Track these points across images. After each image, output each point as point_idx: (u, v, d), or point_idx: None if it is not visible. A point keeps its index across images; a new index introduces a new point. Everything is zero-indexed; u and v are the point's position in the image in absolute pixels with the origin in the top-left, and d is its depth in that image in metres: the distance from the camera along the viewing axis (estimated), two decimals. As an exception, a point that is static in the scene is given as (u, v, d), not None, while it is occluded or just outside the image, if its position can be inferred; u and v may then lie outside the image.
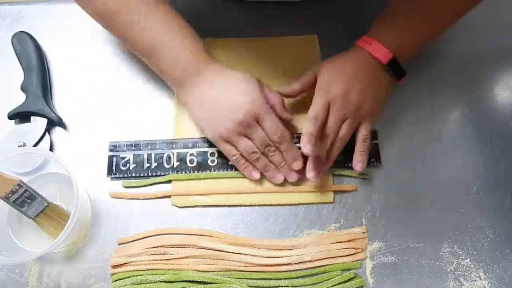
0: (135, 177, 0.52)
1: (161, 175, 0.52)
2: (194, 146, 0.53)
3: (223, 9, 0.60)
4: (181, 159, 0.53)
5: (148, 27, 0.48)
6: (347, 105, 0.49)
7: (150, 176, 0.52)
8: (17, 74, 0.55)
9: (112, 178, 0.52)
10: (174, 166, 0.52)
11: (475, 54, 0.58)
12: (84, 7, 0.50)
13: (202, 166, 0.52)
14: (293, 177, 0.51)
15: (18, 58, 0.56)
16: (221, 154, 0.52)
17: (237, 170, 0.52)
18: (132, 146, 0.53)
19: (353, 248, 0.49)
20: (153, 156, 0.53)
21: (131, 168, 0.52)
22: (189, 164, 0.52)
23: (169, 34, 0.48)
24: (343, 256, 0.49)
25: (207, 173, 0.52)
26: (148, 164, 0.52)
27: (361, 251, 0.49)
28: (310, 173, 0.49)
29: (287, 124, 0.52)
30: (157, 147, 0.53)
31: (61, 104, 0.56)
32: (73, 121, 0.55)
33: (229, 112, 0.48)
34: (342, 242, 0.49)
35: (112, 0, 0.47)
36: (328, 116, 0.49)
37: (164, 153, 0.53)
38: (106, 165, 0.52)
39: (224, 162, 0.52)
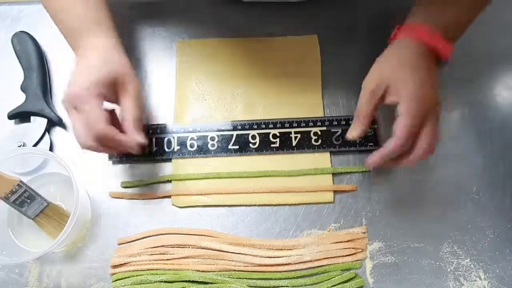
0: (135, 161, 0.53)
1: (162, 159, 0.53)
2: (194, 131, 0.54)
3: (223, 9, 0.60)
4: (182, 143, 0.53)
5: None
6: (434, 116, 0.44)
7: (151, 160, 0.53)
8: (17, 74, 0.55)
9: (114, 162, 0.53)
10: (175, 150, 0.53)
11: (475, 54, 0.58)
12: None
13: (202, 149, 0.53)
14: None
15: (18, 58, 0.56)
16: (221, 139, 0.53)
17: (237, 155, 0.53)
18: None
19: (353, 248, 0.49)
20: (153, 140, 0.53)
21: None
22: (189, 148, 0.53)
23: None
24: (343, 256, 0.49)
25: (208, 160, 0.53)
26: (149, 148, 0.53)
27: (361, 251, 0.49)
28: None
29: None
30: (158, 131, 0.53)
31: (61, 104, 0.55)
32: (73, 121, 0.55)
33: (68, 86, 0.45)
34: (342, 242, 0.49)
35: None
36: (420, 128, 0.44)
37: (164, 137, 0.53)
38: (106, 160, 0.53)
39: (224, 146, 0.53)
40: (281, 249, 0.49)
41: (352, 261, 0.49)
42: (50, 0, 0.49)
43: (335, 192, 0.52)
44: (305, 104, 0.56)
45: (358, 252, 0.49)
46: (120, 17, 0.59)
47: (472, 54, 0.58)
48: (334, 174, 0.53)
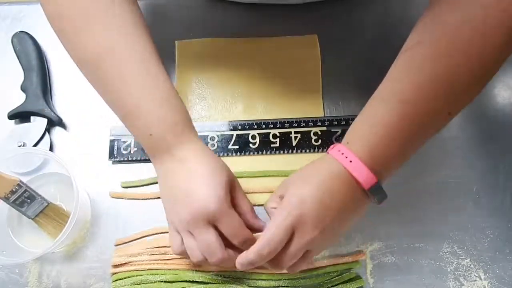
0: (136, 161, 0.53)
1: None
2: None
3: (223, 9, 0.60)
4: None
5: (125, 77, 0.41)
6: (315, 241, 0.39)
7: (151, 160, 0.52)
8: (17, 74, 0.55)
9: (114, 162, 0.53)
10: None
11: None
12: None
13: None
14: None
15: (18, 58, 0.56)
16: (221, 138, 0.53)
17: (237, 155, 0.52)
18: None
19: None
20: None
21: (132, 152, 0.53)
22: None
23: (145, 95, 0.41)
24: (343, 256, 0.49)
25: None
26: None
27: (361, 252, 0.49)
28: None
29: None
30: None
31: (61, 104, 0.56)
32: (73, 121, 0.55)
33: (182, 207, 0.40)
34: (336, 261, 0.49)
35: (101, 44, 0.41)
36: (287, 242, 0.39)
37: None
38: (106, 160, 0.53)
39: (224, 146, 0.53)
40: None
41: (352, 261, 0.49)
42: (120, 101, 0.42)
43: (335, 192, 0.52)
44: (305, 104, 0.56)
45: (358, 253, 0.49)
46: (120, 17, 0.59)
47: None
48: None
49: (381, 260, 0.49)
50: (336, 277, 0.48)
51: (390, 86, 0.41)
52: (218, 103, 0.56)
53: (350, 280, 0.48)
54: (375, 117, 0.40)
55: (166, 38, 0.59)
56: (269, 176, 0.52)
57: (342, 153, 0.39)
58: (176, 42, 0.58)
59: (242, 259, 0.39)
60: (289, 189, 0.40)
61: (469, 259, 0.49)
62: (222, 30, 0.59)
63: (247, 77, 0.57)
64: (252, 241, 0.40)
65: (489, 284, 0.48)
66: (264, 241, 0.38)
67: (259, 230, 0.43)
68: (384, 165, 0.39)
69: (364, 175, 0.38)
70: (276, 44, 0.58)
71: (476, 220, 0.51)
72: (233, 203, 0.42)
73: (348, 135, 0.42)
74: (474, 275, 0.49)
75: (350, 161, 0.38)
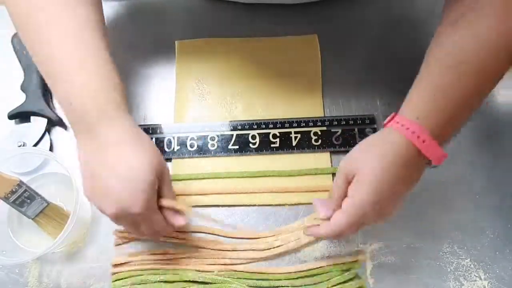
0: None
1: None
2: (194, 131, 0.54)
3: (222, 9, 0.60)
4: (182, 143, 0.53)
5: (51, 39, 0.38)
6: (378, 219, 0.41)
7: None
8: (17, 74, 0.55)
9: None
10: (175, 150, 0.53)
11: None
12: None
13: (202, 149, 0.53)
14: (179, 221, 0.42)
15: (18, 58, 0.56)
16: (221, 139, 0.53)
17: (237, 155, 0.52)
18: None
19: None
20: (153, 140, 0.53)
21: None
22: (189, 148, 0.53)
23: (71, 60, 0.38)
24: (343, 257, 0.49)
25: (208, 160, 0.53)
26: None
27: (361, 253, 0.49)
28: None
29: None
30: (158, 131, 0.53)
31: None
32: (73, 121, 0.55)
33: (103, 202, 0.39)
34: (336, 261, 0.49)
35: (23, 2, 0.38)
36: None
37: (164, 137, 0.53)
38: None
39: (224, 146, 0.53)
40: (275, 234, 0.49)
41: (352, 262, 0.49)
42: (44, 62, 0.39)
43: (335, 192, 0.52)
44: (305, 104, 0.56)
45: (358, 254, 0.49)
46: (120, 17, 0.59)
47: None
48: (334, 174, 0.52)
49: (381, 260, 0.49)
50: (336, 277, 0.48)
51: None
52: (218, 103, 0.56)
53: (350, 280, 0.48)
54: (448, 89, 0.39)
55: (166, 38, 0.59)
56: (269, 176, 0.52)
57: (413, 132, 0.38)
58: (176, 42, 0.58)
59: (310, 232, 0.43)
60: (360, 176, 0.39)
61: (469, 259, 0.49)
62: (222, 30, 0.59)
63: (247, 77, 0.57)
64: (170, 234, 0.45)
65: (489, 284, 0.48)
66: (335, 228, 0.40)
67: (177, 228, 0.43)
68: (450, 136, 0.40)
69: (437, 155, 0.38)
70: (276, 44, 0.58)
71: (476, 220, 0.51)
72: (158, 195, 0.41)
73: (415, 108, 0.40)
74: (474, 275, 0.49)
75: (423, 141, 0.38)
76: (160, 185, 0.41)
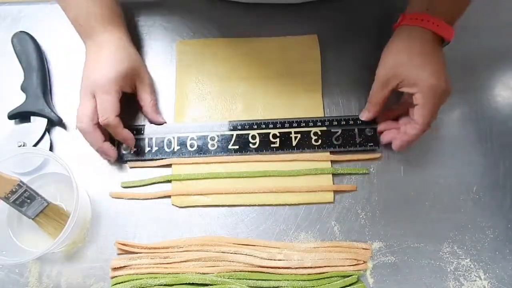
0: (136, 160, 0.53)
1: (162, 159, 0.53)
2: (194, 131, 0.54)
3: (223, 9, 0.60)
4: (182, 143, 0.53)
5: None
6: (442, 102, 0.49)
7: (150, 159, 0.53)
8: (17, 74, 0.55)
9: (114, 162, 0.53)
10: (175, 150, 0.53)
11: (475, 54, 0.58)
12: None
13: (202, 150, 0.53)
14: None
15: (18, 58, 0.56)
16: (221, 139, 0.53)
17: (237, 155, 0.53)
18: (133, 131, 0.53)
19: (355, 259, 0.49)
20: (154, 140, 0.53)
21: (132, 152, 0.52)
22: (189, 148, 0.53)
23: None
24: (344, 266, 0.49)
25: (207, 159, 0.53)
26: (149, 148, 0.53)
27: (363, 263, 0.49)
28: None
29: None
30: (158, 131, 0.53)
31: (61, 104, 0.56)
32: (73, 121, 0.55)
33: (84, 78, 0.50)
34: (344, 250, 0.49)
35: None
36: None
37: (165, 137, 0.53)
38: (107, 163, 0.53)
39: (224, 146, 0.53)
40: (280, 248, 0.49)
41: (353, 271, 0.48)
42: None
43: (335, 192, 0.52)
44: (305, 104, 0.56)
45: (360, 264, 0.49)
46: (120, 17, 0.59)
47: (472, 54, 0.58)
48: (334, 174, 0.53)
49: (381, 260, 0.49)
50: (338, 281, 0.48)
51: None
52: (218, 103, 0.56)
53: (351, 285, 0.48)
54: None
55: (166, 38, 0.59)
56: (269, 176, 0.52)
57: (428, 20, 0.48)
58: (176, 42, 0.58)
59: (399, 144, 0.50)
60: (410, 73, 0.48)
61: (469, 259, 0.49)
62: (222, 30, 0.59)
63: (247, 77, 0.57)
64: (113, 130, 0.49)
65: (489, 284, 0.48)
66: (421, 130, 0.48)
67: (159, 124, 0.53)
68: (455, 17, 0.50)
69: (450, 33, 0.49)
70: (276, 44, 0.58)
71: (476, 220, 0.51)
72: (138, 97, 0.53)
73: (413, 5, 0.51)
74: (474, 275, 0.49)
75: (437, 26, 0.48)
76: (138, 86, 0.52)
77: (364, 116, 0.53)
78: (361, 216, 0.51)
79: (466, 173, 0.53)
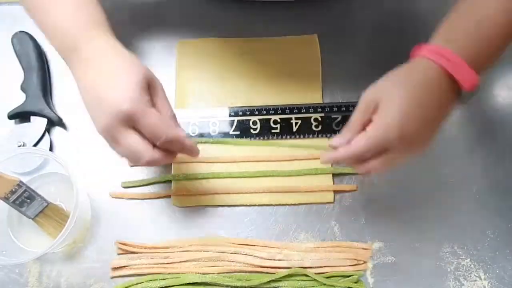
0: None
1: None
2: (195, 116, 0.54)
3: (222, 9, 0.60)
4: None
5: None
6: (407, 152, 0.39)
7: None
8: (17, 74, 0.55)
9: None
10: None
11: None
12: None
13: (203, 135, 0.53)
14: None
15: (18, 58, 0.56)
16: (222, 124, 0.53)
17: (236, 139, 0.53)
18: None
19: (355, 259, 0.49)
20: None
21: None
22: (191, 134, 0.53)
23: None
24: (344, 266, 0.49)
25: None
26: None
27: (363, 263, 0.49)
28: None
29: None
30: None
31: (61, 104, 0.56)
32: (73, 121, 0.55)
33: (96, 112, 0.39)
34: (344, 250, 0.49)
35: None
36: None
37: None
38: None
39: (226, 131, 0.53)
40: (280, 248, 0.49)
41: (353, 271, 0.48)
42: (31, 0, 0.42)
43: (335, 192, 0.52)
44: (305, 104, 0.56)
45: (360, 264, 0.49)
46: (120, 17, 0.59)
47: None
48: (334, 174, 0.53)
49: (381, 260, 0.49)
50: (338, 281, 0.48)
51: None
52: (218, 103, 0.56)
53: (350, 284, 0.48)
54: (478, 13, 0.38)
55: (166, 38, 0.59)
56: (269, 176, 0.52)
57: (437, 53, 0.37)
58: (176, 42, 0.58)
59: (326, 157, 0.41)
60: (384, 102, 0.38)
61: (469, 259, 0.49)
62: (222, 30, 0.59)
63: (247, 77, 0.57)
64: (177, 138, 0.39)
65: (489, 284, 0.48)
66: (354, 150, 0.38)
67: (176, 138, 0.40)
68: (483, 63, 0.38)
69: (467, 76, 0.37)
70: (276, 44, 0.58)
71: (476, 220, 0.51)
72: (153, 105, 0.40)
73: (445, 33, 0.39)
74: (474, 275, 0.49)
75: (448, 60, 0.37)
76: (153, 97, 0.40)
77: (335, 140, 0.41)
78: (361, 216, 0.51)
79: (466, 173, 0.53)
